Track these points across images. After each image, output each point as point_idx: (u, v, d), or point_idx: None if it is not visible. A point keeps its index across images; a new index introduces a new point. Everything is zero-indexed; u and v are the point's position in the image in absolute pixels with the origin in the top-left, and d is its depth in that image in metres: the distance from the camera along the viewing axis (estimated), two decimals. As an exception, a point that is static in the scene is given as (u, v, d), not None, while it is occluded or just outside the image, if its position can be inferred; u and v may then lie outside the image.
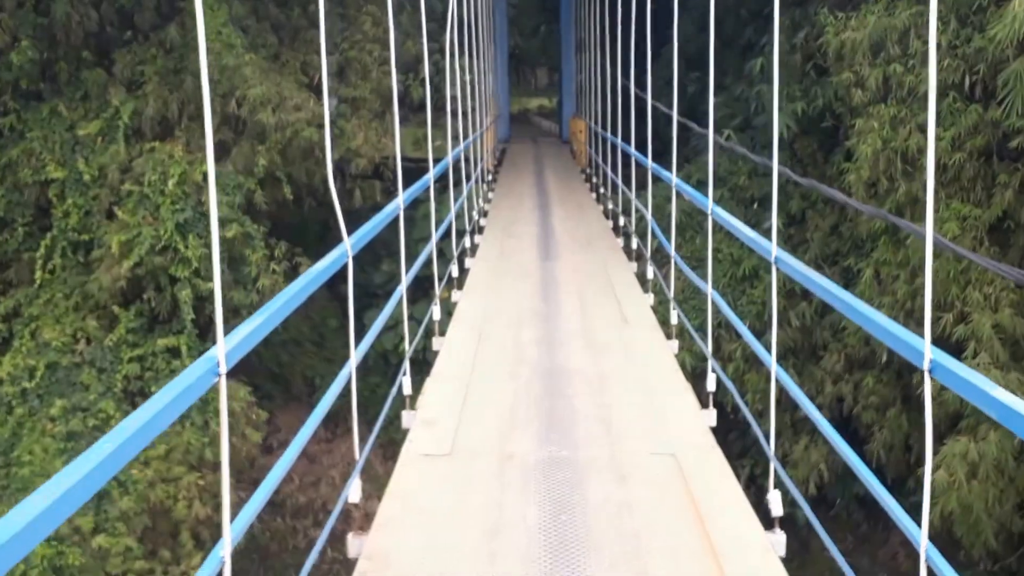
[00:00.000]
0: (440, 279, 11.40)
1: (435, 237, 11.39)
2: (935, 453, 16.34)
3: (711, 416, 7.73)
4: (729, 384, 8.41)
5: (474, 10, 20.25)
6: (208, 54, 18.26)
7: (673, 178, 12.55)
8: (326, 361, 24.86)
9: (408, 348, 8.58)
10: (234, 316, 19.25)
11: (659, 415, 7.64)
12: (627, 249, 15.40)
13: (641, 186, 16.20)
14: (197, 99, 18.88)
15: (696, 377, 10.74)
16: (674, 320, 10.71)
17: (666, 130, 25.36)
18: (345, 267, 6.35)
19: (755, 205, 20.41)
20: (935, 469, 14.06)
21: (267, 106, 18.74)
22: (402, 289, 8.99)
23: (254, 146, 19.14)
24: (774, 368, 6.83)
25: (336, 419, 24.86)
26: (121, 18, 19.35)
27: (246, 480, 22.22)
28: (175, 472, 18.40)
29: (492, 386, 8.34)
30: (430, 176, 11.31)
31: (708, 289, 9.46)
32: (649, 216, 13.17)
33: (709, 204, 9.19)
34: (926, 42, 15.45)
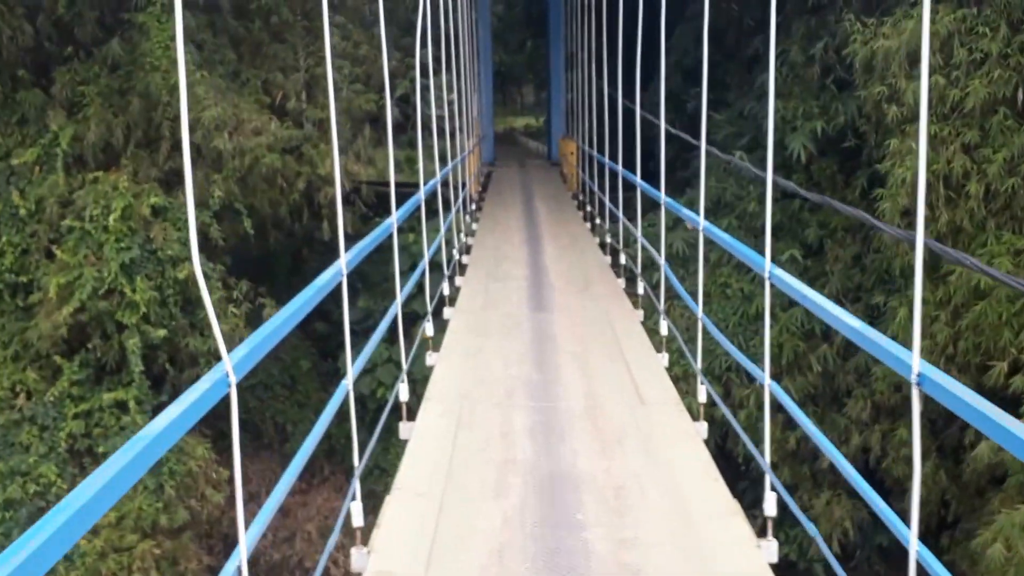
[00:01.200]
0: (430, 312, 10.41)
1: (427, 255, 10.87)
2: (975, 510, 14.69)
3: (771, 550, 5.57)
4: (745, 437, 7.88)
5: (455, 24, 18.80)
6: (155, 72, 16.59)
7: (662, 196, 12.42)
8: (298, 406, 23.03)
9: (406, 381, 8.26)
10: (191, 365, 17.47)
11: (701, 555, 5.66)
12: (630, 292, 13.60)
13: (642, 212, 15.26)
14: (144, 123, 17.04)
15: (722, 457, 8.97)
16: (702, 398, 8.71)
17: (667, 148, 23.78)
18: (339, 287, 6.25)
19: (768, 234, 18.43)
20: (990, 539, 12.60)
21: (223, 130, 16.84)
22: (397, 307, 8.75)
23: (209, 175, 17.27)
24: (768, 384, 6.78)
25: (312, 468, 23.02)
26: (60, 32, 17.58)
27: (216, 537, 20.38)
28: (127, 541, 16.92)
29: (472, 509, 6.41)
30: (420, 195, 10.91)
31: (699, 313, 9.32)
32: (663, 261, 11.59)
33: (701, 222, 9.20)
34: (973, 50, 13.74)
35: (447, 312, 11.91)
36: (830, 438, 15.28)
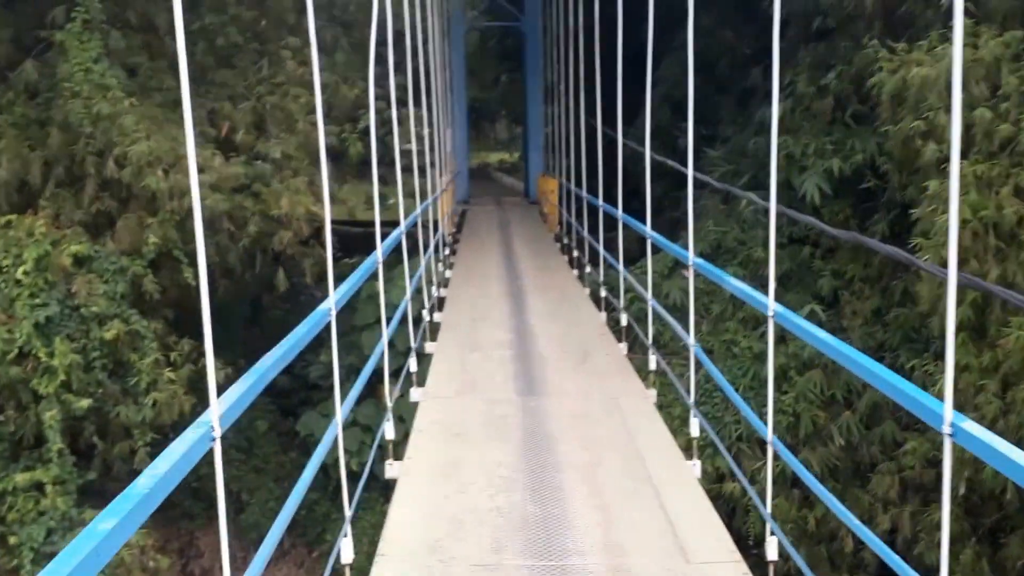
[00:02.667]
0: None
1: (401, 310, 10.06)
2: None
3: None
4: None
5: (427, 56, 16.93)
6: (75, 99, 13.98)
7: (647, 228, 11.63)
8: (255, 471, 20.40)
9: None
10: (124, 437, 14.93)
11: None
12: (633, 357, 11.63)
13: (634, 258, 14.11)
14: (67, 158, 14.51)
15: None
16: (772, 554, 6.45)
17: (655, 186, 21.42)
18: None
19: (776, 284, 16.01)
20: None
21: (156, 166, 14.29)
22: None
23: (142, 219, 14.75)
24: (771, 441, 6.61)
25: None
26: (-33, 54, 14.93)
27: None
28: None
29: None
30: (401, 229, 10.47)
31: (691, 342, 8.66)
32: (695, 350, 8.77)
33: (690, 257, 8.98)
34: (1025, 78, 11.51)
35: (415, 394, 9.41)
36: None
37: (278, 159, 16.75)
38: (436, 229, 16.45)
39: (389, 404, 8.10)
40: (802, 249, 16.29)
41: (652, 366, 10.20)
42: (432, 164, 17.39)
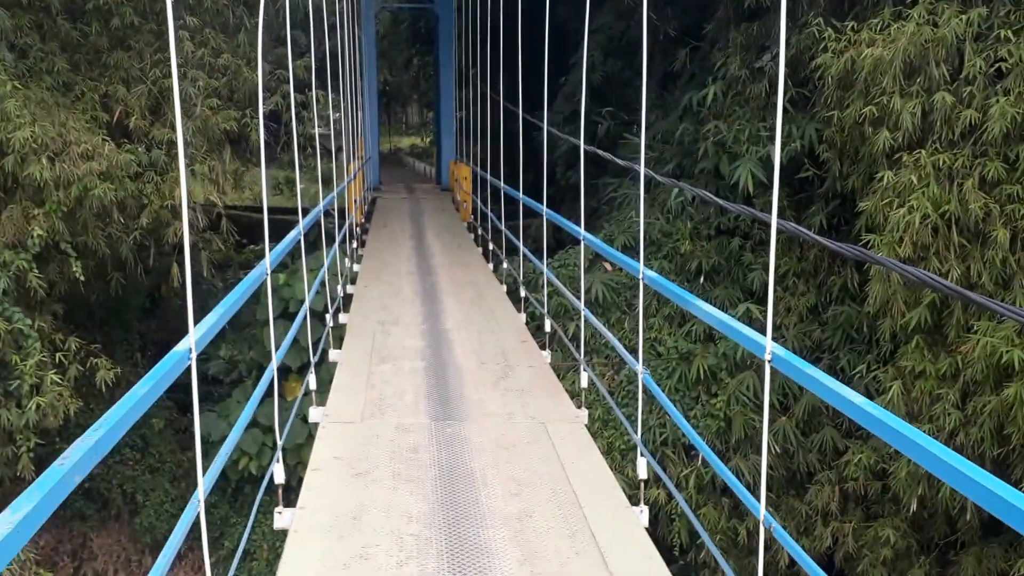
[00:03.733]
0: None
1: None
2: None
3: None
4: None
5: (338, 38, 16.39)
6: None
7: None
8: (151, 471, 19.07)
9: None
10: (7, 441, 13.67)
11: None
12: (558, 366, 10.25)
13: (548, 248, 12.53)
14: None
15: None
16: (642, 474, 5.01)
17: (570, 172, 20.31)
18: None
19: (701, 278, 15.05)
20: None
21: (41, 155, 12.92)
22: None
23: (27, 210, 13.36)
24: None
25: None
26: None
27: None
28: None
29: None
30: (300, 229, 9.03)
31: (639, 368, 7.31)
32: (643, 377, 7.24)
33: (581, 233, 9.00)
34: (992, 59, 10.53)
35: (313, 415, 8.16)
36: (786, 528, 12.04)
37: (173, 145, 15.39)
38: (344, 218, 15.28)
39: (280, 440, 6.86)
40: (731, 241, 15.30)
41: (583, 383, 9.01)
42: (341, 149, 16.22)
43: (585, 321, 9.14)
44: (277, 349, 7.54)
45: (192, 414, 4.76)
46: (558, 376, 11.91)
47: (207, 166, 15.88)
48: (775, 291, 14.59)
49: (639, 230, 16.23)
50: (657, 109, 19.53)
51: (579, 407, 8.37)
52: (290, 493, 6.65)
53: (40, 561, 17.79)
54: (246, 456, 16.76)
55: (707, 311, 5.47)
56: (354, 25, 21.93)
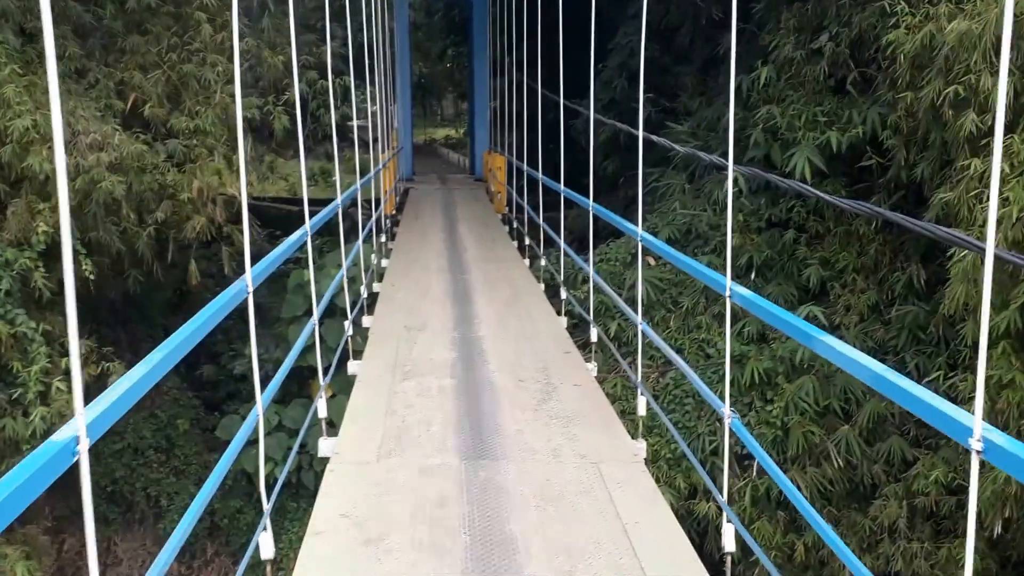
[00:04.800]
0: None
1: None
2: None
3: None
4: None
5: (370, 25, 14.97)
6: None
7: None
8: (175, 474, 17.87)
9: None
10: (15, 452, 12.62)
11: None
12: (603, 380, 8.99)
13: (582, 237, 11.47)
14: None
15: None
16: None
17: (608, 162, 19.01)
18: (245, 302, 5.10)
19: (752, 274, 13.70)
20: None
21: (43, 145, 11.72)
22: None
23: (32, 204, 12.15)
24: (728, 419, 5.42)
25: (193, 549, 17.97)
26: None
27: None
28: None
29: None
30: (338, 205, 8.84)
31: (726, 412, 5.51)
32: (730, 422, 5.74)
33: (639, 233, 7.81)
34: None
35: (323, 448, 6.86)
36: (849, 544, 10.70)
37: (192, 134, 14.17)
38: (376, 208, 14.07)
39: (293, 452, 5.57)
40: (784, 234, 13.95)
41: (641, 409, 7.56)
42: (374, 139, 14.99)
43: (629, 324, 7.81)
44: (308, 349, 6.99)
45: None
46: (599, 382, 10.68)
47: (228, 157, 14.68)
48: (834, 288, 13.28)
49: (684, 222, 14.94)
50: (699, 96, 18.21)
51: (635, 437, 7.01)
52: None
53: (64, 566, 16.76)
54: (271, 462, 15.53)
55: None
56: (385, 12, 20.79)
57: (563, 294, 11.32)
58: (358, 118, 18.02)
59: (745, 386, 12.59)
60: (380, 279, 13.01)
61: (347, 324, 9.26)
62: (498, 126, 24.14)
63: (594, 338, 9.34)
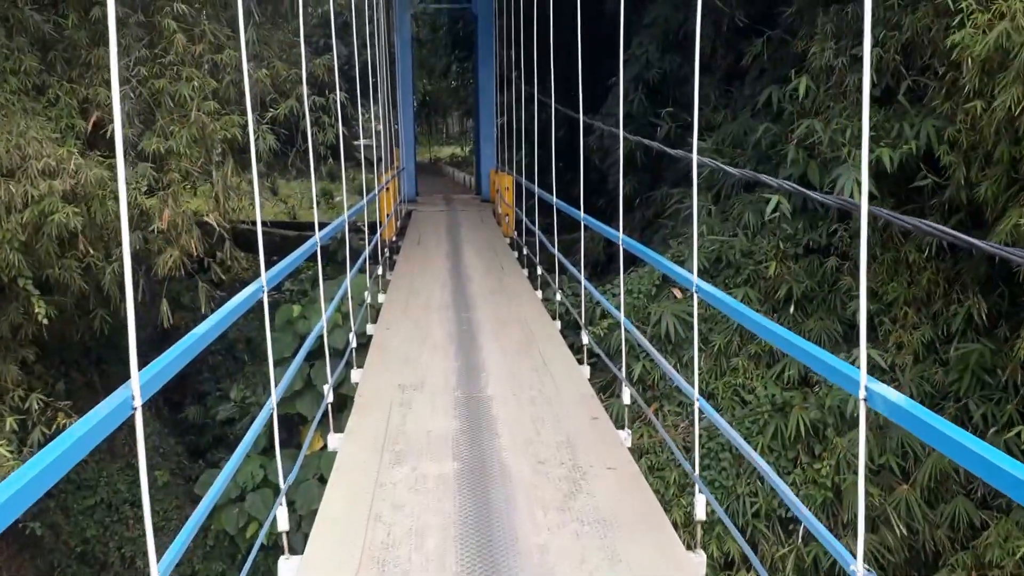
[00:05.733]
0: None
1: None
2: None
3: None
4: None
5: (367, 39, 14.06)
6: None
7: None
8: (153, 532, 15.97)
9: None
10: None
11: None
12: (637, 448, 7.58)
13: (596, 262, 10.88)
14: None
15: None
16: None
17: (623, 181, 17.49)
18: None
19: (791, 307, 12.05)
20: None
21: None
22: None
23: (-27, 240, 10.57)
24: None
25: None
26: None
27: None
28: None
29: None
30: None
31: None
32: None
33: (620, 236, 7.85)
34: None
35: (283, 570, 5.20)
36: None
37: (165, 157, 12.53)
38: (374, 232, 12.51)
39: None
40: (824, 262, 12.30)
41: (699, 512, 5.73)
42: (376, 159, 13.46)
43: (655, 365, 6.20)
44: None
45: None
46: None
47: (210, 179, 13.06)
48: (883, 323, 11.59)
49: (714, 249, 13.27)
50: (723, 108, 16.58)
51: (691, 546, 5.32)
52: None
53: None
54: (255, 521, 13.77)
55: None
56: (385, 26, 19.33)
57: (584, 338, 9.66)
58: (358, 137, 16.46)
59: (789, 439, 10.92)
60: (374, 320, 11.34)
61: (327, 390, 7.62)
62: (506, 143, 22.50)
63: (627, 399, 7.67)
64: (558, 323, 11.03)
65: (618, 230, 7.92)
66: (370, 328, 10.87)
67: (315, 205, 9.04)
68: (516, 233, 17.91)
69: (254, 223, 18.36)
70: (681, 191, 15.67)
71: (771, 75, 15.07)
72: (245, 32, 14.45)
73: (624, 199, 19.59)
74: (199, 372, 17.59)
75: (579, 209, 9.94)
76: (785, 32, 14.54)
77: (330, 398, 7.65)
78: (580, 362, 9.38)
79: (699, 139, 15.75)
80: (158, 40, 13.21)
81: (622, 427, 7.38)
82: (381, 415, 7.53)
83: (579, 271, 10.12)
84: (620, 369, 8.27)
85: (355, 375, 9.06)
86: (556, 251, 11.51)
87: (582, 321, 10.40)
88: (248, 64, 13.70)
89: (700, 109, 17.51)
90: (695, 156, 6.44)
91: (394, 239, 17.73)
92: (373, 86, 14.32)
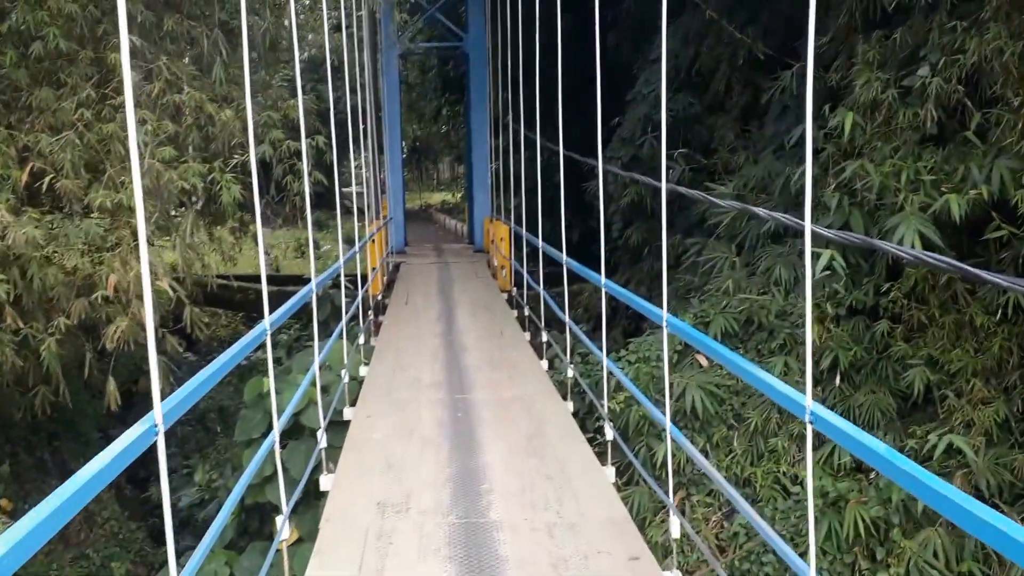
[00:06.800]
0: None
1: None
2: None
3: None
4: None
5: (351, 79, 12.61)
6: None
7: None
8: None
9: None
10: None
11: None
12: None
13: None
14: None
15: None
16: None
17: (631, 230, 15.98)
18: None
19: (837, 378, 10.35)
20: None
21: None
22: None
23: None
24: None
25: None
26: None
27: None
28: None
29: None
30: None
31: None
32: None
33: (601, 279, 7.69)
34: None
35: None
36: None
37: (114, 211, 10.78)
38: (362, 286, 10.86)
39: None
40: (873, 326, 10.57)
41: None
42: (359, 209, 11.93)
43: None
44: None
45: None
46: (641, 524, 7.36)
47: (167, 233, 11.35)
48: (947, 398, 9.85)
49: (743, 309, 11.56)
50: (742, 150, 14.93)
51: None
52: None
53: None
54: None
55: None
56: (371, 68, 17.87)
57: (609, 433, 7.87)
58: (344, 185, 14.84)
59: (846, 540, 9.14)
60: (353, 402, 9.57)
61: (282, 518, 5.87)
62: (500, 190, 20.80)
63: (675, 532, 5.88)
64: (570, 404, 9.27)
65: (624, 282, 6.39)
66: (348, 412, 9.12)
67: (311, 254, 7.45)
68: (515, 289, 16.17)
69: (228, 277, 16.57)
70: (699, 241, 13.99)
71: (796, 112, 13.45)
72: (215, 72, 12.81)
73: (631, 248, 18.08)
74: (166, 445, 15.70)
75: (601, 271, 8.23)
76: (819, 63, 12.94)
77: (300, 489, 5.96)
78: (600, 457, 7.64)
79: (718, 183, 14.15)
80: (110, 78, 11.50)
81: (668, 555, 5.64)
82: (352, 556, 5.71)
83: (602, 353, 8.34)
84: (666, 491, 6.46)
85: (325, 481, 7.30)
86: (567, 318, 9.73)
87: (604, 414, 8.54)
88: (213, 104, 12.02)
89: (715, 150, 15.90)
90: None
91: (379, 297, 15.99)
92: (355, 129, 12.73)
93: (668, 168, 15.76)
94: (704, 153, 16.03)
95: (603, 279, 7.73)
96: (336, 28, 17.24)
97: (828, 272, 10.25)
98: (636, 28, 19.41)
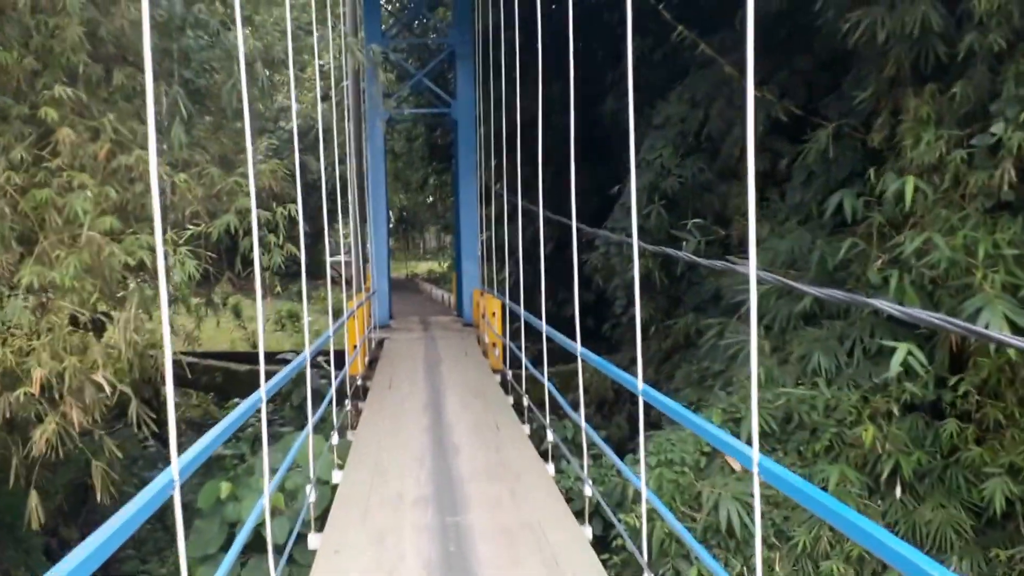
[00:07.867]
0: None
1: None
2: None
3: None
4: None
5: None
6: None
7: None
8: None
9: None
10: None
11: None
12: None
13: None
14: None
15: None
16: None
17: (632, 309, 14.37)
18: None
19: (898, 489, 8.59)
20: None
21: None
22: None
23: None
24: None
25: None
26: None
27: None
28: None
29: None
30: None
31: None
32: None
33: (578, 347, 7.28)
34: None
35: None
36: None
37: (46, 291, 9.03)
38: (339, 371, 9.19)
39: None
40: (935, 425, 8.85)
41: None
42: (346, 282, 10.58)
43: None
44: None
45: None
46: None
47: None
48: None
49: (780, 405, 9.82)
50: (761, 220, 13.25)
51: None
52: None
53: None
54: None
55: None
56: (355, 135, 16.47)
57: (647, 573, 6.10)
58: (332, 254, 13.39)
59: None
60: (320, 523, 7.75)
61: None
62: (495, 260, 19.07)
63: None
64: (588, 529, 7.45)
65: (628, 363, 4.91)
66: (313, 540, 7.32)
67: (308, 327, 5.75)
68: (510, 373, 14.38)
69: (192, 355, 14.79)
70: (721, 321, 12.28)
71: (826, 177, 11.82)
72: (173, 133, 11.14)
73: (634, 327, 16.38)
74: (123, 547, 13.94)
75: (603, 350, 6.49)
76: (852, 123, 11.33)
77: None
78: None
79: (739, 256, 12.46)
80: (47, 137, 9.79)
81: None
82: None
83: (632, 473, 6.56)
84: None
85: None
86: (584, 423, 7.90)
87: (640, 554, 6.72)
88: (167, 169, 10.33)
89: (730, 221, 14.25)
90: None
91: (361, 382, 14.21)
92: (338, 199, 11.17)
93: (676, 239, 14.13)
94: (721, 223, 14.37)
95: (579, 347, 7.34)
96: (324, 98, 15.83)
97: (900, 369, 8.51)
98: (638, 92, 17.87)
